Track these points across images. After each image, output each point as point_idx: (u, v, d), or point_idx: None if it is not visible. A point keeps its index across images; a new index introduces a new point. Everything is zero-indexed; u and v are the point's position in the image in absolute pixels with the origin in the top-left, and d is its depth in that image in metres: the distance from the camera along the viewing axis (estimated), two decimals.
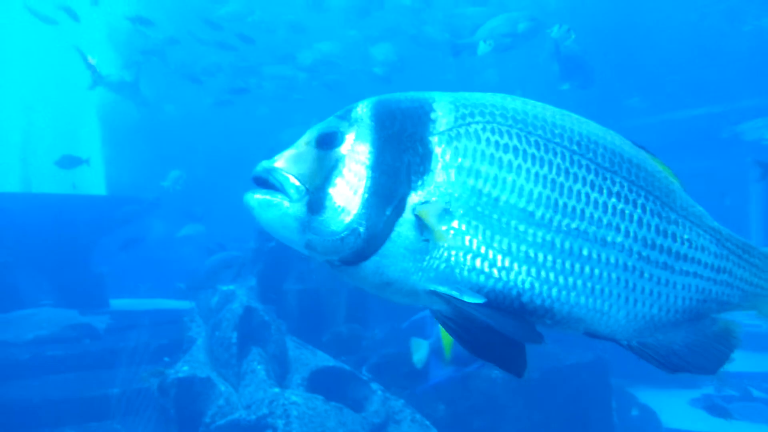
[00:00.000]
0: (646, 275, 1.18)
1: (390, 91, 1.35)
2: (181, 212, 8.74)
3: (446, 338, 2.99)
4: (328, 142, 1.22)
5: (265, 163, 1.25)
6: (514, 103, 1.23)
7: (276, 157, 1.26)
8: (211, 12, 10.12)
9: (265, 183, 1.24)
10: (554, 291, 1.17)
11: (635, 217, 1.18)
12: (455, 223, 1.16)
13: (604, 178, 1.18)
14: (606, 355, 5.49)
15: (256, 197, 1.23)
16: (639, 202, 1.19)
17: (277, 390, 3.93)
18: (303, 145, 1.25)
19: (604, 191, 1.17)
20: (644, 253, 1.18)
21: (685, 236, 1.20)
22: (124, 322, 7.85)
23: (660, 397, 6.96)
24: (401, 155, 1.18)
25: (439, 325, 2.71)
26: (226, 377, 4.38)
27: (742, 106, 9.44)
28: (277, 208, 1.20)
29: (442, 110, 1.22)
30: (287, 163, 1.23)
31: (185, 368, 4.36)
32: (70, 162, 9.80)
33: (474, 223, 1.15)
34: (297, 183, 1.20)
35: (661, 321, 1.20)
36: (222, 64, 10.60)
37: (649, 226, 1.18)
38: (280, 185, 1.21)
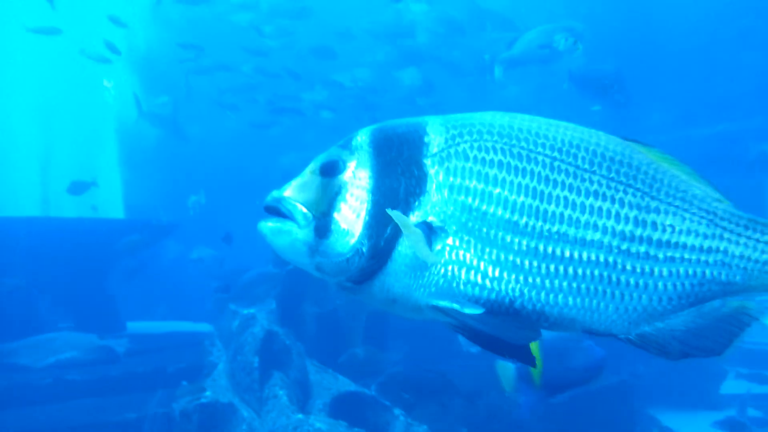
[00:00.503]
0: (629, 268, 1.20)
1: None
2: (201, 235, 8.81)
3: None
4: (331, 171, 1.31)
5: (275, 193, 1.34)
6: (502, 119, 1.30)
7: (285, 187, 1.35)
8: (253, 40, 10.16)
9: (276, 211, 1.33)
10: (542, 295, 1.22)
11: (613, 212, 1.21)
12: (450, 240, 1.23)
13: (583, 180, 1.23)
14: (630, 377, 5.41)
15: (269, 225, 1.32)
16: (617, 197, 1.22)
17: (300, 416, 3.90)
18: (308, 174, 1.34)
19: (582, 192, 1.22)
20: (624, 247, 1.20)
21: (668, 222, 1.21)
22: (143, 346, 7.85)
23: (682, 420, 6.83)
24: (399, 178, 1.26)
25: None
26: (248, 402, 4.36)
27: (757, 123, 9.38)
28: (287, 235, 1.30)
29: (435, 133, 1.29)
30: (294, 192, 1.33)
31: (207, 393, 4.34)
32: (79, 187, 9.90)
33: (466, 238, 1.22)
34: (304, 210, 1.29)
35: (656, 310, 1.21)
36: (258, 87, 10.61)
37: (627, 219, 1.21)
38: (289, 213, 1.30)
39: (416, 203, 1.25)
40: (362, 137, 1.32)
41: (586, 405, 4.92)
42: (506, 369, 3.04)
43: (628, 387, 5.34)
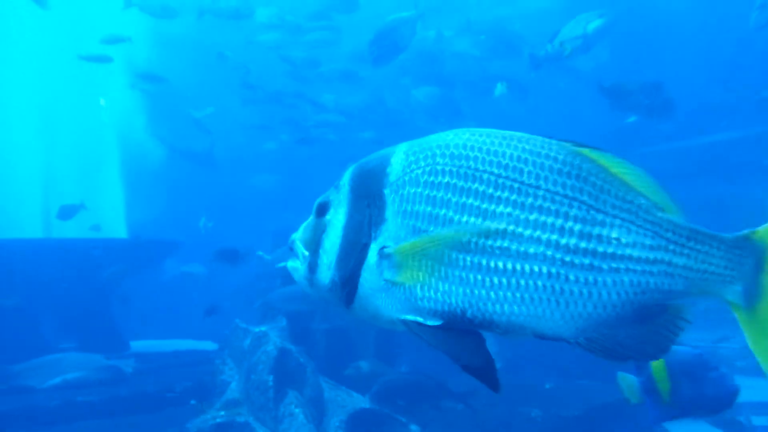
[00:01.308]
0: (572, 278, 1.25)
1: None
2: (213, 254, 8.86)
3: (659, 377, 2.93)
4: (320, 211, 1.47)
5: (293, 235, 1.52)
6: (458, 137, 1.37)
7: (300, 227, 1.53)
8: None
9: (293, 251, 1.52)
10: (489, 305, 1.29)
11: (557, 225, 1.26)
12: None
13: (527, 195, 1.28)
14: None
15: (288, 264, 1.53)
16: (562, 210, 1.27)
17: None
18: (311, 215, 1.50)
19: (526, 207, 1.27)
20: (567, 259, 1.25)
21: (613, 235, 1.25)
22: (148, 365, 7.80)
23: (689, 428, 6.81)
24: (365, 211, 1.39)
25: (651, 363, 2.71)
26: (263, 421, 4.34)
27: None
28: (297, 273, 1.50)
29: (395, 162, 1.40)
30: (300, 233, 1.51)
31: (222, 413, 4.32)
32: (68, 212, 9.88)
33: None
34: (303, 250, 1.48)
35: (600, 317, 1.26)
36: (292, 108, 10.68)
37: (571, 232, 1.25)
38: (296, 253, 1.50)
39: (378, 231, 1.37)
40: (345, 176, 1.45)
41: (606, 420, 4.90)
42: (628, 381, 3.03)
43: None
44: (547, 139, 1.32)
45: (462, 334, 1.33)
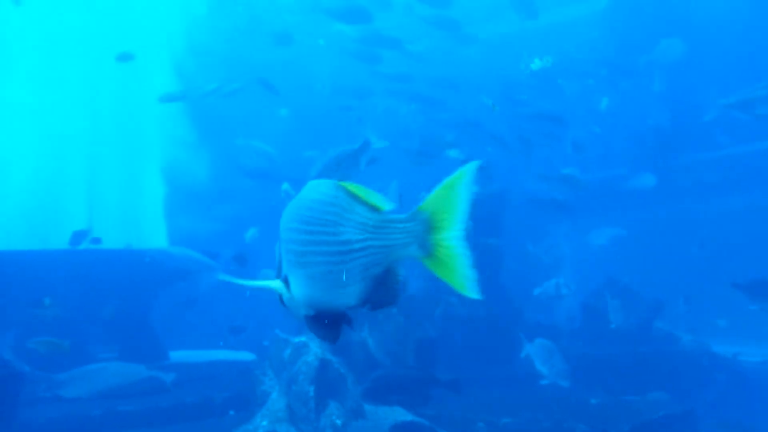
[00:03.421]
0: (337, 269, 1.84)
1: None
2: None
3: None
4: None
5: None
6: (299, 202, 1.95)
7: None
8: None
9: None
10: (314, 298, 1.93)
11: (326, 240, 1.86)
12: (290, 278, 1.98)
13: (313, 223, 1.88)
14: (696, 406, 5.19)
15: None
16: (326, 229, 1.86)
17: None
18: None
19: (313, 233, 1.87)
20: (334, 260, 1.84)
21: (346, 237, 1.82)
22: (188, 375, 7.84)
23: None
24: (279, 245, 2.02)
25: None
26: None
27: None
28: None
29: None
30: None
31: (264, 423, 4.28)
32: (79, 238, 10.11)
33: (292, 276, 1.96)
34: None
35: (360, 287, 1.85)
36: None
37: (329, 242, 1.84)
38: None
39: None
40: None
41: None
42: None
43: (694, 415, 5.11)
44: (326, 184, 1.90)
45: (322, 317, 1.96)
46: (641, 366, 6.88)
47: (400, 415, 4.63)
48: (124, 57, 10.31)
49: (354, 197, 1.85)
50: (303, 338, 5.29)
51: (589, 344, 7.79)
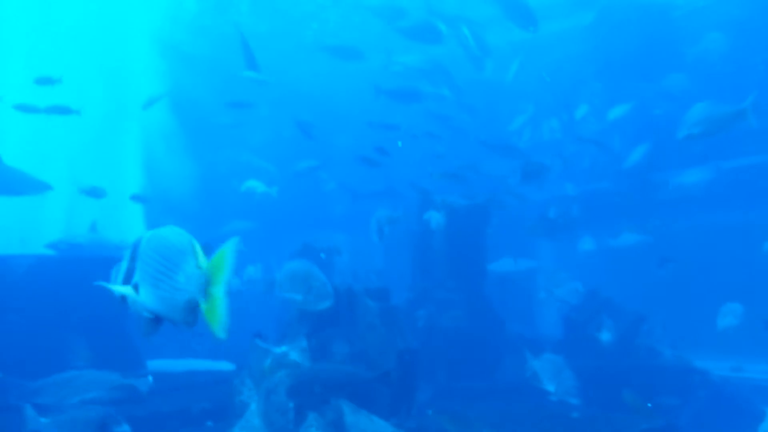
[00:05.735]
0: (169, 297, 2.47)
1: None
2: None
3: None
4: None
5: None
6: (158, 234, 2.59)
7: None
8: None
9: None
10: (158, 309, 2.53)
11: (167, 275, 2.50)
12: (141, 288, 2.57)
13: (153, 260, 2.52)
14: (677, 420, 5.18)
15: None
16: (163, 268, 2.51)
17: None
18: None
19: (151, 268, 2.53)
20: (166, 293, 2.47)
21: (176, 279, 2.47)
22: (165, 384, 7.68)
23: None
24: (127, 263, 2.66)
25: None
26: None
27: None
28: None
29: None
30: None
31: None
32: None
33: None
34: None
35: (186, 313, 2.46)
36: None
37: (168, 276, 2.49)
38: None
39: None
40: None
41: None
42: None
43: (675, 429, 5.10)
44: (182, 234, 2.53)
45: (157, 320, 2.53)
46: (623, 379, 6.87)
47: (380, 427, 4.55)
48: (45, 81, 9.97)
49: (193, 252, 2.45)
50: (284, 348, 5.21)
51: (571, 357, 7.79)
